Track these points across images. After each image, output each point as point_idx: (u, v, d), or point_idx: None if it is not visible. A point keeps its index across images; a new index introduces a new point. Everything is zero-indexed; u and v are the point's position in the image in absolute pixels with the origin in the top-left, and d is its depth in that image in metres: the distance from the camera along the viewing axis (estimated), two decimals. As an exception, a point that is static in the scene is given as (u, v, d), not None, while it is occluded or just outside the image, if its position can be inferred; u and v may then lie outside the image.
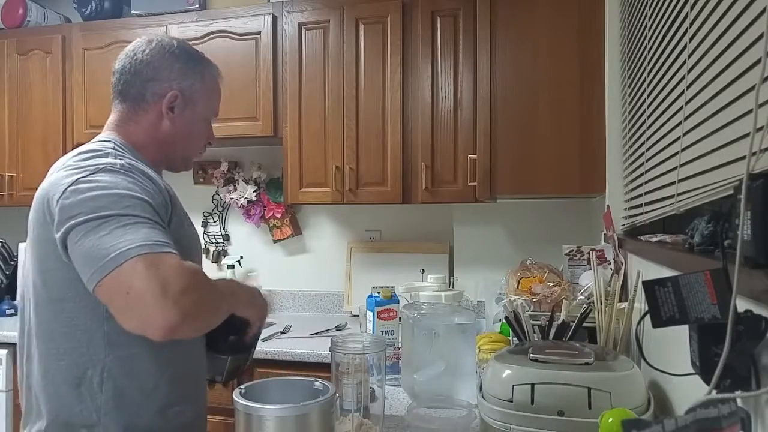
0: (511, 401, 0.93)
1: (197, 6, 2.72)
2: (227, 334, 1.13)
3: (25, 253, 1.15)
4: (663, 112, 1.17)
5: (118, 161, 1.05)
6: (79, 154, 1.09)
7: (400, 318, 1.57)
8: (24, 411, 1.19)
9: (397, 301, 1.62)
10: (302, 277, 2.85)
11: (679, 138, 1.02)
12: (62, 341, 1.07)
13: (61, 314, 1.06)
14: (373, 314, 1.62)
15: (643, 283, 0.78)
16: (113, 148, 1.10)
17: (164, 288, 0.88)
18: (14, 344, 2.40)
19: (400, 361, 1.56)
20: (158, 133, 1.18)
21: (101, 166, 1.02)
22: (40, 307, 1.10)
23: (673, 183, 1.04)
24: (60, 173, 1.05)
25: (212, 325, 1.02)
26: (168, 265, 0.91)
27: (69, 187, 0.99)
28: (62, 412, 1.08)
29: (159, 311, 0.88)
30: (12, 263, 2.90)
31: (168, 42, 1.19)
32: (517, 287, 1.65)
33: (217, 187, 2.92)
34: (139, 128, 1.17)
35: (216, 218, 2.97)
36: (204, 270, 1.04)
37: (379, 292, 1.63)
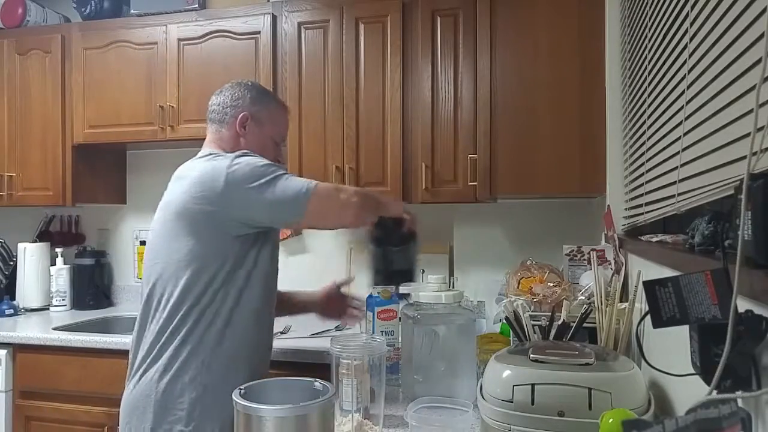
0: (512, 401, 0.93)
1: (197, 6, 2.71)
2: (394, 231, 1.55)
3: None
4: (663, 111, 1.17)
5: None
6: (202, 157, 1.49)
7: (400, 318, 1.56)
8: None
9: (397, 302, 1.61)
10: (302, 277, 2.83)
11: (679, 138, 1.01)
12: None
13: None
14: (374, 315, 1.61)
15: (644, 283, 0.78)
16: (223, 150, 1.51)
17: (347, 192, 1.42)
18: (14, 344, 2.41)
19: (399, 361, 1.56)
20: (237, 146, 1.51)
21: (237, 154, 1.42)
22: None
23: (674, 183, 1.04)
24: (199, 169, 1.42)
25: (351, 212, 1.44)
26: (328, 185, 1.44)
27: (229, 169, 1.36)
28: None
29: (352, 205, 1.41)
30: (12, 263, 2.90)
31: (245, 81, 1.61)
32: (518, 287, 1.65)
33: (217, 187, 2.92)
34: (223, 143, 1.54)
35: (216, 218, 2.97)
36: None
37: (378, 293, 1.61)
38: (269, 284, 1.50)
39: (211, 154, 1.49)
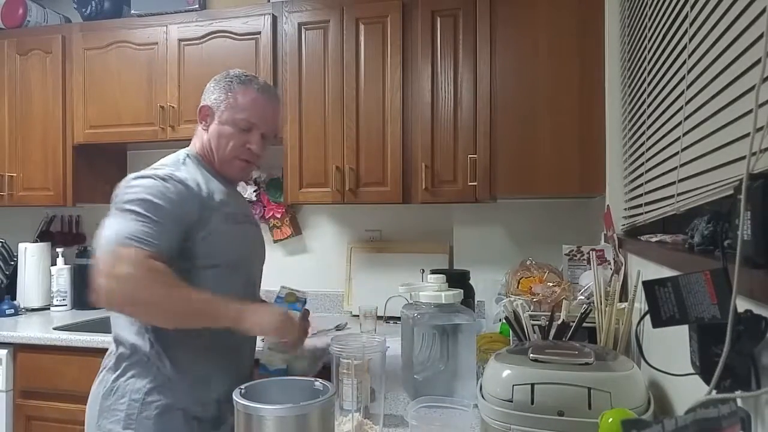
0: (511, 401, 0.93)
1: (197, 6, 2.72)
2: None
3: None
4: (663, 112, 1.17)
5: (161, 172, 1.31)
6: (163, 160, 1.42)
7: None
8: None
9: (298, 309, 1.38)
10: (302, 277, 2.84)
11: (679, 138, 1.02)
12: None
13: None
14: None
15: (643, 283, 0.78)
16: (181, 161, 1.41)
17: (108, 270, 1.18)
18: (14, 344, 2.41)
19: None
20: (203, 142, 1.45)
21: (136, 176, 1.31)
22: None
23: (673, 183, 1.04)
24: None
25: (157, 316, 1.25)
26: (126, 257, 1.18)
27: (116, 190, 1.30)
28: None
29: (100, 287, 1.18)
30: (12, 263, 2.90)
31: (224, 72, 1.48)
32: (517, 287, 1.66)
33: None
34: (195, 139, 1.48)
35: (216, 218, 2.97)
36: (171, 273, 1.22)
37: (284, 295, 1.40)
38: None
39: (160, 164, 1.40)
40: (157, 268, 1.19)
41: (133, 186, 1.27)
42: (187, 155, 1.44)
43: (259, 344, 1.47)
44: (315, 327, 1.56)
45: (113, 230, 1.21)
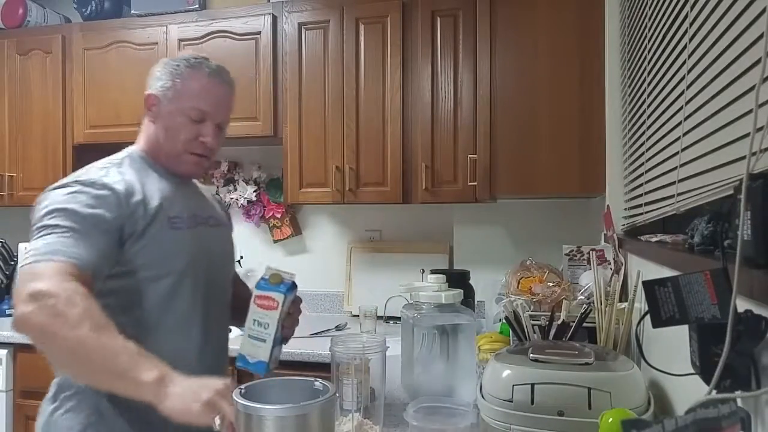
0: (511, 401, 0.93)
1: (197, 6, 2.72)
2: None
3: None
4: (663, 112, 1.17)
5: (84, 177, 1.17)
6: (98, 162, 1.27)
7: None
8: None
9: (285, 292, 1.19)
10: (302, 277, 2.81)
11: (679, 138, 1.02)
12: None
13: None
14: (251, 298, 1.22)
15: (643, 283, 0.78)
16: (120, 162, 1.26)
17: (21, 291, 1.00)
18: (14, 344, 2.41)
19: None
20: (149, 135, 1.30)
21: (60, 184, 1.16)
22: None
23: (673, 183, 1.04)
24: None
25: (58, 343, 0.99)
26: (46, 276, 1.00)
27: (35, 203, 1.15)
28: None
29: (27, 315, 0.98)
30: (12, 263, 2.90)
31: (167, 57, 1.33)
32: (517, 287, 1.66)
33: (217, 187, 2.92)
34: (144, 135, 1.32)
35: (216, 218, 2.97)
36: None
37: (269, 277, 1.21)
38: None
39: (93, 166, 1.26)
40: (73, 290, 1.00)
41: (50, 197, 1.13)
42: (128, 155, 1.29)
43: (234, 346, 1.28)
44: (306, 314, 1.36)
45: (30, 251, 1.05)
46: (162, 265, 1.19)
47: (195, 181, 1.43)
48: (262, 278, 1.21)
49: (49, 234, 1.06)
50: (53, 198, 1.12)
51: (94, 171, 1.21)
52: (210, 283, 1.29)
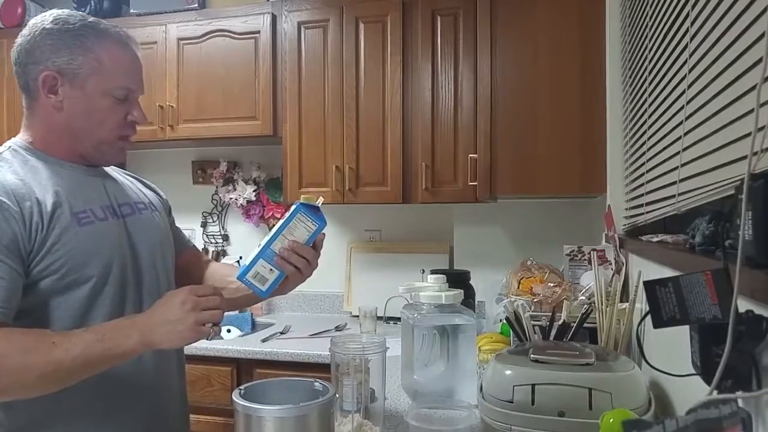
0: (512, 402, 0.93)
1: (196, 5, 2.71)
2: None
3: None
4: (664, 111, 1.17)
5: None
6: None
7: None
8: None
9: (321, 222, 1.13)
10: (302, 277, 2.84)
11: (680, 138, 1.01)
12: None
13: None
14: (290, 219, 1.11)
15: (644, 283, 0.78)
16: (34, 130, 1.10)
17: None
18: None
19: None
20: (53, 123, 1.09)
21: None
22: None
23: (674, 183, 1.04)
24: None
25: (23, 387, 0.94)
26: None
27: None
28: None
29: None
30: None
31: (41, 19, 1.06)
32: (518, 287, 1.65)
33: (216, 187, 2.92)
34: (36, 121, 1.12)
35: (215, 218, 2.97)
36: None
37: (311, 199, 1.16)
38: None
39: None
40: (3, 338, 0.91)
41: None
42: (13, 148, 1.10)
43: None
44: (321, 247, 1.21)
45: None
46: (75, 270, 1.02)
47: (115, 167, 1.25)
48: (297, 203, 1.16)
49: None
50: None
51: None
52: (142, 280, 1.13)
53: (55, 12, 1.07)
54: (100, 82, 1.06)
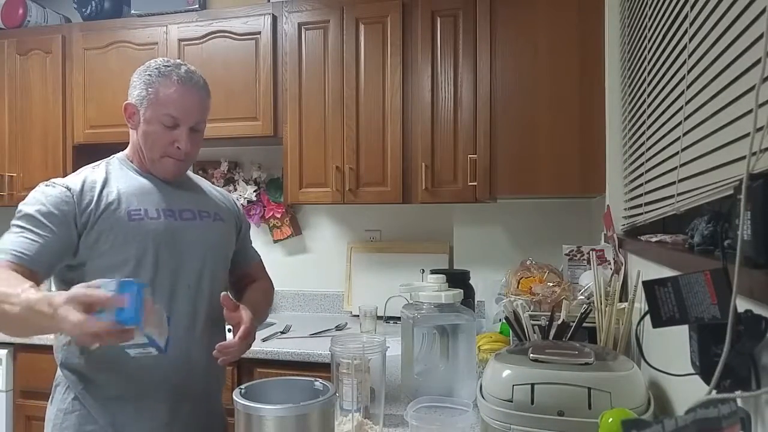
0: (511, 401, 0.93)
1: (197, 6, 2.72)
2: None
3: None
4: (663, 112, 1.17)
5: (65, 178, 1.31)
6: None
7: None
8: None
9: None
10: (302, 277, 2.85)
11: (679, 138, 1.02)
12: None
13: None
14: None
15: (643, 283, 0.78)
16: (98, 165, 1.38)
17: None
18: (14, 344, 2.41)
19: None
20: (133, 142, 1.39)
21: (40, 184, 1.30)
22: None
23: (673, 183, 1.04)
24: None
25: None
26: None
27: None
28: None
29: None
30: (12, 263, 2.90)
31: (144, 64, 1.37)
32: (517, 287, 1.65)
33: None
34: (130, 141, 1.41)
35: (216, 218, 2.97)
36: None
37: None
38: None
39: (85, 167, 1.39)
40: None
41: (27, 198, 1.27)
42: (110, 159, 1.40)
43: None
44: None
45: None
46: (115, 254, 1.26)
47: (197, 179, 1.51)
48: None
49: (13, 233, 1.21)
50: (28, 198, 1.27)
51: (71, 176, 1.34)
52: (179, 271, 1.33)
53: (151, 60, 1.38)
54: (153, 111, 1.32)
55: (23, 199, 1.27)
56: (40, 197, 1.25)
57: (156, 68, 1.34)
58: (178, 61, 1.38)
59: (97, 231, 1.26)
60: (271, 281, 1.63)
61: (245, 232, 1.59)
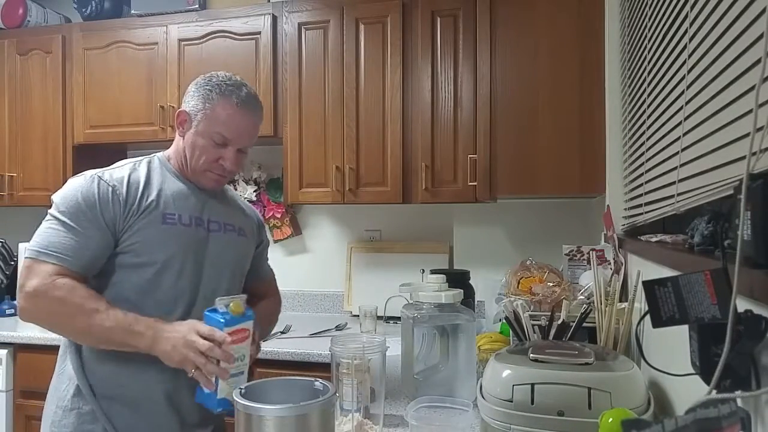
0: (511, 401, 0.93)
1: (197, 6, 2.72)
2: None
3: None
4: (663, 112, 1.17)
5: (99, 172, 1.32)
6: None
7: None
8: None
9: (251, 318, 1.23)
10: (302, 277, 2.85)
11: (679, 138, 1.02)
12: None
13: None
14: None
15: (643, 283, 0.78)
16: (140, 161, 1.39)
17: (21, 285, 1.23)
18: (14, 344, 2.41)
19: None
20: (177, 147, 1.41)
21: (79, 176, 1.33)
22: None
23: (673, 183, 1.04)
24: None
25: (64, 330, 1.29)
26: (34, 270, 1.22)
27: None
28: None
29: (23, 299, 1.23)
30: (12, 263, 2.90)
31: (207, 75, 1.39)
32: (517, 287, 1.65)
33: (217, 187, 2.92)
34: (174, 143, 1.43)
35: (216, 218, 2.97)
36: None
37: (227, 306, 1.20)
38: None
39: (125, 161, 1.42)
40: (63, 288, 1.20)
41: (65, 189, 1.29)
42: (151, 158, 1.41)
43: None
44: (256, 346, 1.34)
45: (36, 240, 1.25)
46: (145, 254, 1.29)
47: (228, 190, 1.55)
48: (219, 312, 1.20)
49: (53, 229, 1.25)
50: (66, 188, 1.29)
51: (113, 168, 1.35)
52: (200, 278, 1.36)
53: (212, 72, 1.39)
54: (206, 126, 1.34)
55: (29, 198, 1.31)
56: (89, 194, 1.26)
57: (218, 84, 1.34)
58: (240, 80, 1.38)
59: (132, 229, 1.29)
60: (280, 299, 1.64)
61: (263, 249, 1.60)
